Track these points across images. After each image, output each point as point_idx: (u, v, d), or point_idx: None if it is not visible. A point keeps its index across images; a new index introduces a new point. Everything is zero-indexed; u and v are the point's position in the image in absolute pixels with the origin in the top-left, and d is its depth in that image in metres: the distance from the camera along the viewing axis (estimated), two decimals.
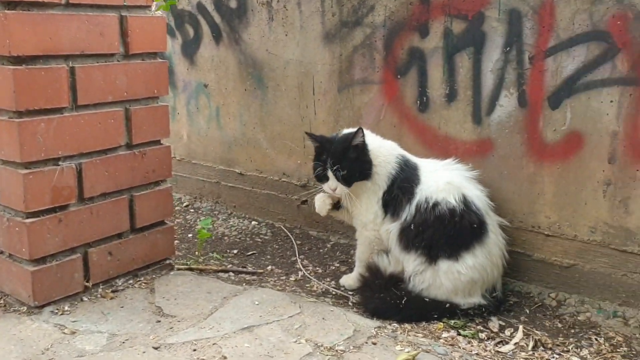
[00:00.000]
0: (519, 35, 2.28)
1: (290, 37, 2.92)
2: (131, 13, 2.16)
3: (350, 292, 2.40)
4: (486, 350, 1.97)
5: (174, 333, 1.90)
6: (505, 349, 2.00)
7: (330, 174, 2.25)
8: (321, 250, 2.87)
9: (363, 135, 2.24)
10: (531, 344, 2.03)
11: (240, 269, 2.60)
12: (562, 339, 2.10)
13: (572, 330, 2.16)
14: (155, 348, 1.80)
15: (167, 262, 2.40)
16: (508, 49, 2.31)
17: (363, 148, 2.25)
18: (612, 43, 2.09)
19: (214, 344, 1.82)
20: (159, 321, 1.98)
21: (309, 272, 2.62)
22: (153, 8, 2.26)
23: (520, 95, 2.31)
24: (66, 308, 2.04)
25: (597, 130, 2.16)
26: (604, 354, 2.00)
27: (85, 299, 2.11)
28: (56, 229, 2.02)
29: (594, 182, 2.20)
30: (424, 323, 2.13)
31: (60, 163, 2.01)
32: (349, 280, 2.46)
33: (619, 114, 2.11)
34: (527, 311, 2.29)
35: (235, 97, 3.21)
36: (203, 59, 3.31)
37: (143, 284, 2.25)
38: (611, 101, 2.12)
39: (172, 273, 2.37)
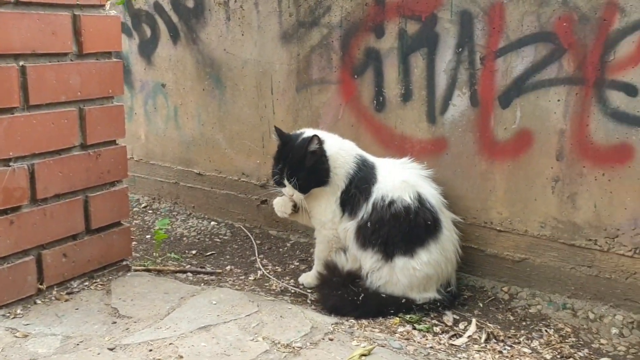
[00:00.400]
0: (471, 37, 2.33)
1: (247, 37, 2.93)
2: (84, 12, 2.14)
3: (309, 290, 2.43)
4: (440, 344, 2.02)
5: (130, 334, 1.88)
6: (458, 342, 2.05)
7: (286, 182, 2.28)
8: (281, 250, 2.89)
9: (319, 143, 2.26)
10: (484, 336, 2.09)
11: (198, 269, 2.60)
12: (513, 331, 2.16)
13: (524, 323, 2.23)
14: (111, 349, 1.79)
15: (124, 263, 2.38)
16: (460, 49, 2.37)
17: (321, 155, 2.27)
18: (559, 44, 2.17)
19: (170, 343, 1.82)
20: (115, 322, 1.96)
21: (268, 271, 2.63)
22: (107, 7, 2.24)
23: (472, 95, 2.37)
24: (18, 311, 2.00)
25: (545, 129, 2.24)
26: (554, 345, 2.07)
27: (38, 301, 2.07)
28: (8, 231, 1.98)
29: (543, 178, 2.27)
30: (380, 318, 2.16)
31: (11, 164, 1.98)
32: (308, 278, 2.48)
33: (566, 113, 2.19)
34: (481, 305, 2.35)
35: (194, 97, 3.20)
36: (160, 59, 3.29)
37: (99, 286, 2.23)
38: (558, 100, 2.20)
39: (129, 274, 2.35)
